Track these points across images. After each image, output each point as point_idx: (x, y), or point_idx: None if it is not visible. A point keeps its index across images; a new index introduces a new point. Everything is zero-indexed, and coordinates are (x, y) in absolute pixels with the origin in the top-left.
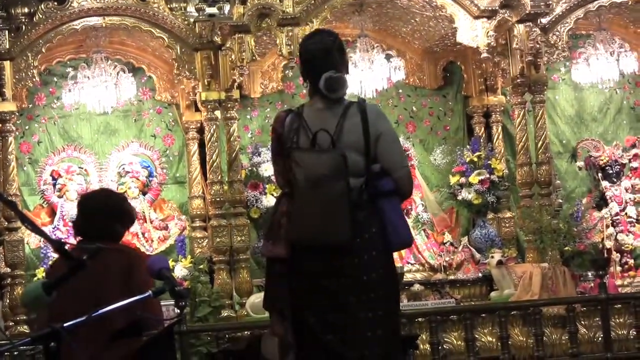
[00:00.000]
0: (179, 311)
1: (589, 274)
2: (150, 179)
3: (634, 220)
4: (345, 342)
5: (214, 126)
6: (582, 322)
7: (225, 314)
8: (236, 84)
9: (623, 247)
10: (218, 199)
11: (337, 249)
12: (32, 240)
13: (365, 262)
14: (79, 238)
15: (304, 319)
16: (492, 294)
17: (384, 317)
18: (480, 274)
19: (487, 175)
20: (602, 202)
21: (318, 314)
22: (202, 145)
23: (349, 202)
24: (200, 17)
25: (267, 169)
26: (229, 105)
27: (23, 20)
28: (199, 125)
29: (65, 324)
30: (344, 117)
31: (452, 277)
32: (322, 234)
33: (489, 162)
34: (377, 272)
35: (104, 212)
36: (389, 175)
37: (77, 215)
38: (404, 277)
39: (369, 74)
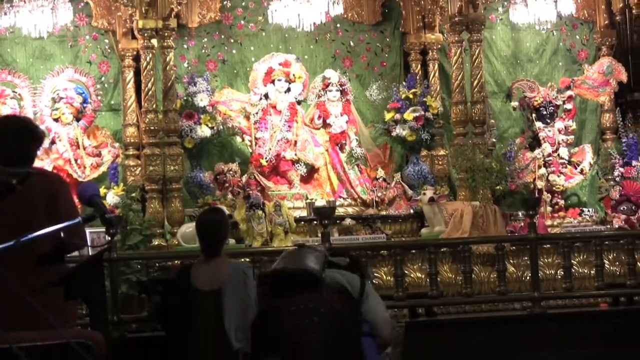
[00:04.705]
0: (109, 238)
1: (520, 213)
2: (85, 105)
3: (566, 162)
4: None
5: (150, 55)
6: (511, 261)
7: (156, 243)
8: (174, 13)
9: (554, 188)
10: (152, 128)
11: None
12: None
13: None
14: None
15: None
16: (423, 230)
17: None
18: (411, 211)
19: (422, 113)
20: (535, 142)
21: None
22: (137, 74)
23: None
24: None
25: (203, 99)
26: (166, 34)
27: None
28: (135, 53)
29: None
30: None
31: (383, 213)
32: None
33: (424, 99)
34: None
35: (10, 135)
36: None
37: None
38: (336, 211)
39: (308, 7)
